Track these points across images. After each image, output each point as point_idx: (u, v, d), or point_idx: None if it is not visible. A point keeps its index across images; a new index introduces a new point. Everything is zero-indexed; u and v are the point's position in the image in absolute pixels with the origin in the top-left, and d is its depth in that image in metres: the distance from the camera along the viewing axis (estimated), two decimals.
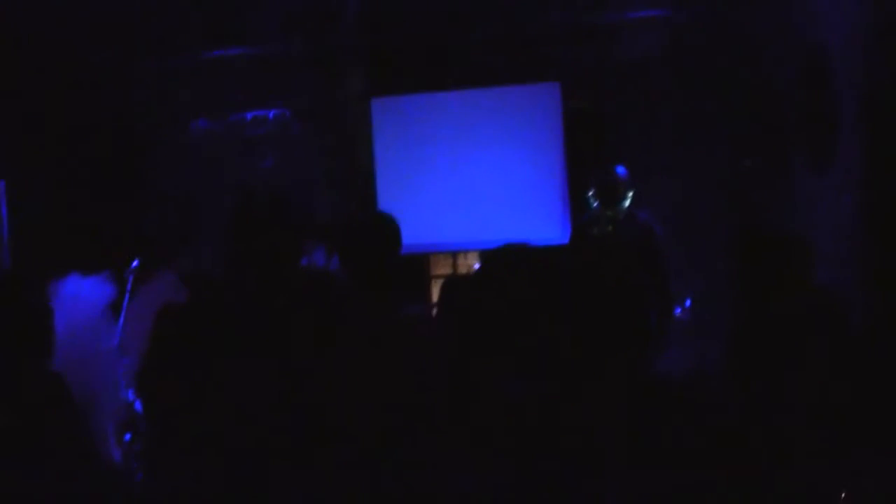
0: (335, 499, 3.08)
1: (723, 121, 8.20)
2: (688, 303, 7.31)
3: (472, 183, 8.62)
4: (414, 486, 2.91)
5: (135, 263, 6.52)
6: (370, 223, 3.82)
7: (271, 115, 9.05)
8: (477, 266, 8.87)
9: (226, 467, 3.15)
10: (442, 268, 9.01)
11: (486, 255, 3.74)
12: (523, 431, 2.57)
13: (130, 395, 5.93)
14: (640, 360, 2.71)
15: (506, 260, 3.21)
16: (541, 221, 8.51)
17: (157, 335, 4.46)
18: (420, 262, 8.84)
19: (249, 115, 9.07)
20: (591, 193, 6.40)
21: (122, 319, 6.21)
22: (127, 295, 6.28)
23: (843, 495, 3.04)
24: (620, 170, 6.33)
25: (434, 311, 3.74)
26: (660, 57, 8.31)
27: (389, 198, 8.66)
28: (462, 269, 8.96)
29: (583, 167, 7.46)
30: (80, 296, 6.17)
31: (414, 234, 8.18)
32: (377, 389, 3.25)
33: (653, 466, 2.47)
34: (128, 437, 5.79)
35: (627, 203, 6.28)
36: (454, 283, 3.84)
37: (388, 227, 3.74)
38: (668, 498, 2.43)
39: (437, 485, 2.79)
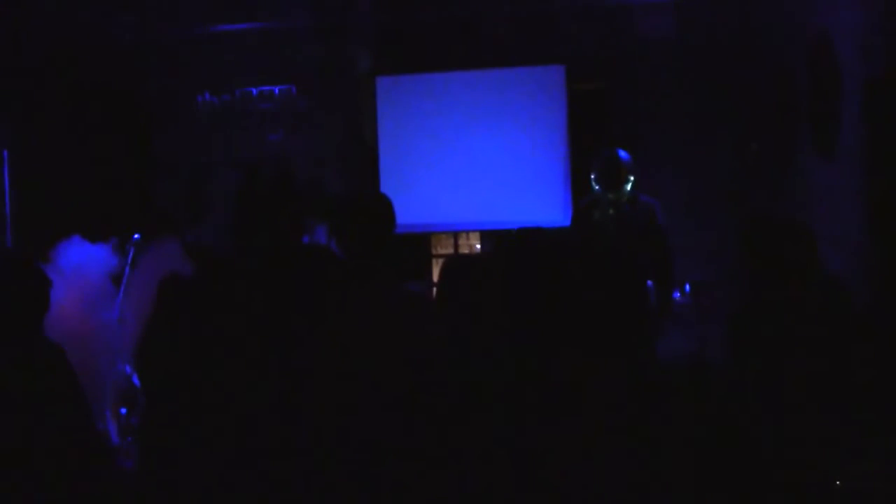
0: (333, 478, 3.08)
1: (728, 106, 8.19)
2: (687, 287, 7.31)
3: (475, 164, 8.61)
4: (409, 462, 2.91)
5: (136, 237, 6.52)
6: (364, 203, 3.81)
7: (277, 90, 9.03)
8: (478, 247, 8.87)
9: (224, 446, 3.15)
10: (443, 247, 9.02)
11: (502, 237, 3.72)
12: (520, 411, 2.57)
13: (128, 368, 5.91)
14: (640, 343, 2.71)
15: (522, 243, 3.21)
16: (543, 203, 8.50)
17: (159, 308, 4.45)
18: (422, 241, 8.85)
19: (255, 91, 9.05)
20: (593, 177, 6.39)
21: (122, 290, 6.19)
22: (128, 267, 6.27)
23: (837, 483, 3.04)
24: (622, 154, 6.32)
25: (435, 290, 3.74)
26: (666, 41, 8.29)
27: (392, 177, 8.65)
28: (463, 249, 8.96)
29: (587, 150, 7.44)
30: (83, 266, 6.17)
31: (416, 213, 8.30)
32: (372, 365, 3.25)
33: (651, 448, 2.47)
34: (123, 411, 5.79)
35: (629, 187, 6.27)
36: (457, 262, 3.83)
37: (382, 207, 3.73)
38: (667, 479, 2.43)
39: (432, 462, 2.79)
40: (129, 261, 6.23)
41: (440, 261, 8.90)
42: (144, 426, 4.09)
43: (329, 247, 6.47)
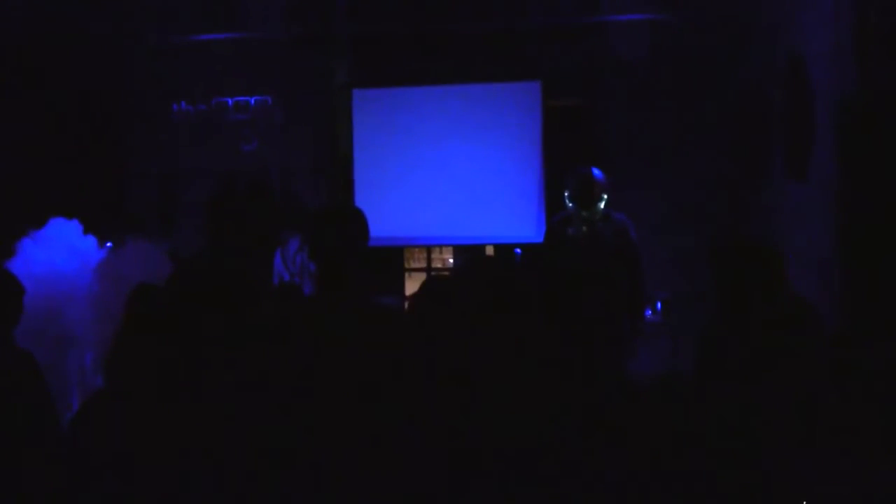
0: (306, 492, 3.08)
1: (701, 125, 8.25)
2: (658, 305, 7.36)
3: (449, 179, 8.62)
4: (381, 479, 2.91)
5: (108, 245, 6.50)
6: (337, 216, 3.81)
7: (253, 101, 9.03)
8: (451, 261, 8.89)
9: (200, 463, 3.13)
10: (417, 262, 9.02)
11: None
12: (493, 430, 2.57)
13: (99, 380, 5.87)
14: (611, 362, 2.72)
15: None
16: (517, 219, 8.53)
17: (128, 318, 4.43)
18: (395, 255, 8.85)
19: (231, 101, 9.05)
20: (566, 194, 6.41)
21: (93, 295, 6.16)
22: (97, 272, 6.24)
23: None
24: (596, 172, 6.35)
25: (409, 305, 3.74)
26: (641, 60, 8.34)
27: (367, 190, 8.65)
28: (436, 264, 8.97)
29: (561, 166, 7.47)
30: (58, 272, 6.14)
31: (390, 227, 8.30)
32: (346, 380, 3.25)
33: (624, 466, 2.48)
34: None
35: (603, 204, 6.30)
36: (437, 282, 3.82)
37: (355, 221, 3.74)
38: (638, 498, 2.44)
39: (405, 480, 2.79)
40: (99, 265, 6.22)
41: (413, 275, 8.92)
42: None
43: (302, 259, 6.48)
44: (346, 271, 3.65)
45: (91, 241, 6.51)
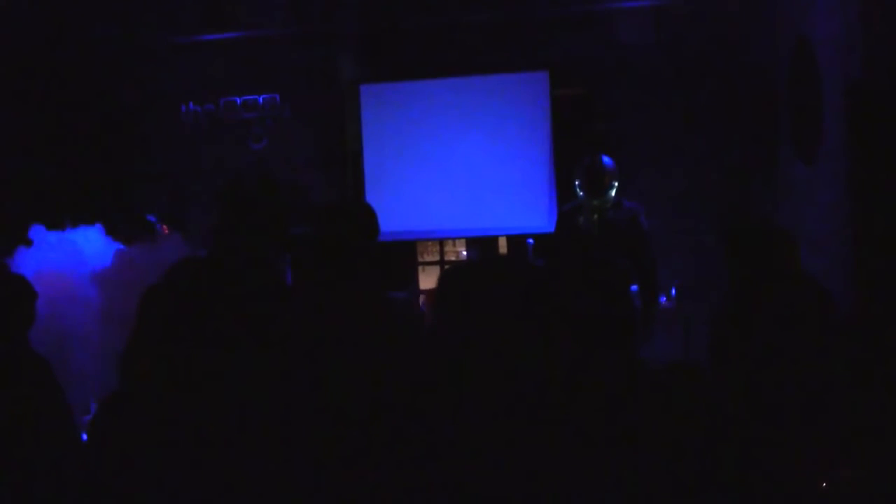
0: (317, 485, 3.08)
1: (710, 110, 8.22)
2: (673, 291, 7.34)
3: (459, 171, 8.62)
4: (397, 470, 2.92)
5: (120, 246, 6.52)
6: (346, 212, 3.81)
7: (261, 99, 9.04)
8: (464, 254, 8.88)
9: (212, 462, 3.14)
10: (430, 255, 9.02)
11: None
12: (507, 421, 2.57)
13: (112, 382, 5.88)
14: (625, 350, 2.72)
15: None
16: (528, 209, 8.52)
17: (141, 318, 4.44)
18: (408, 249, 8.85)
19: (239, 100, 9.06)
20: (577, 183, 6.39)
21: (107, 293, 6.17)
22: (103, 281, 6.25)
23: (823, 484, 3.05)
24: (606, 160, 6.33)
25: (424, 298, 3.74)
26: (647, 46, 8.32)
27: (377, 185, 8.66)
28: (450, 257, 8.97)
29: (571, 155, 7.46)
30: (70, 275, 6.16)
31: (401, 220, 8.30)
32: (360, 375, 3.25)
33: (639, 454, 2.48)
34: None
35: (613, 193, 6.28)
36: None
37: (364, 216, 3.73)
38: (655, 486, 2.44)
39: (420, 472, 2.80)
40: (102, 270, 6.23)
41: (426, 268, 8.92)
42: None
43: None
44: (357, 266, 3.66)
45: (112, 246, 6.52)
